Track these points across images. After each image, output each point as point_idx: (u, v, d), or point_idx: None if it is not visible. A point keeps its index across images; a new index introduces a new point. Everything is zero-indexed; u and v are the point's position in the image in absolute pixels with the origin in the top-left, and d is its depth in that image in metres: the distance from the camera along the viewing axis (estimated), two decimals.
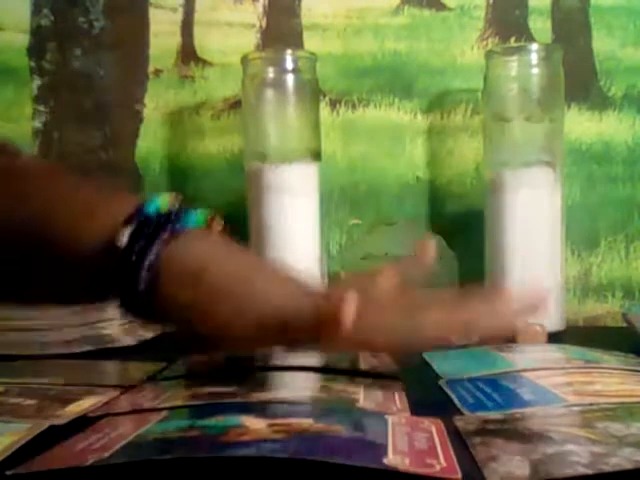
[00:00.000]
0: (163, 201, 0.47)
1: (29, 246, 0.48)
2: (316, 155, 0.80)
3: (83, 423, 0.41)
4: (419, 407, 0.44)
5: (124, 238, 0.45)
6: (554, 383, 0.48)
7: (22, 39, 0.92)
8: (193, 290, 0.46)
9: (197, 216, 0.48)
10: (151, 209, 0.47)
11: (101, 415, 0.43)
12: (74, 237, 0.47)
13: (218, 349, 0.47)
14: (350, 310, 0.43)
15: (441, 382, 0.52)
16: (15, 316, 0.69)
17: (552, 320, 0.75)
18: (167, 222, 0.46)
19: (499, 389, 0.48)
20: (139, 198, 0.48)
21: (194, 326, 0.47)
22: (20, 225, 0.49)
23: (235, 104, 0.91)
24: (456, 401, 0.46)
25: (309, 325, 0.44)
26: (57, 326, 0.69)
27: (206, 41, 0.93)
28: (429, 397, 0.49)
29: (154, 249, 0.45)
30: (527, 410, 0.43)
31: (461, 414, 0.43)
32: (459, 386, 0.50)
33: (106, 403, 0.47)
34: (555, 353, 0.61)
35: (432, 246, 0.54)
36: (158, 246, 0.46)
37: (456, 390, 0.49)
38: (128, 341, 0.71)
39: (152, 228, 0.46)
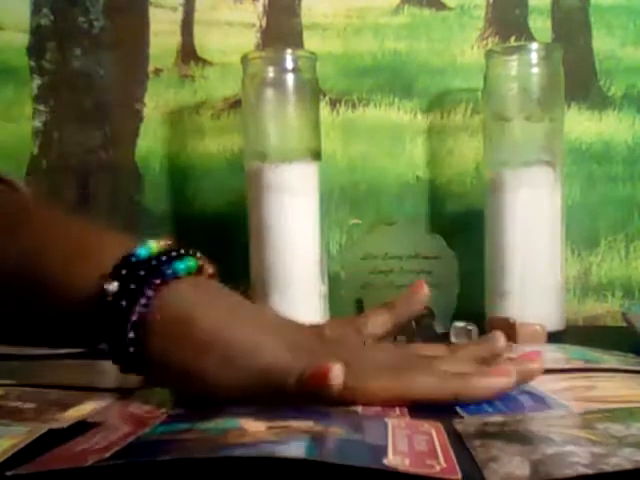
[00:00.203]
0: (155, 246, 0.47)
1: (19, 287, 0.48)
2: (316, 155, 0.80)
3: (83, 427, 0.41)
4: (419, 411, 0.44)
5: (112, 288, 0.44)
6: (554, 388, 0.48)
7: (22, 39, 0.92)
8: (181, 341, 0.45)
9: (188, 262, 0.47)
10: (141, 256, 0.46)
11: (100, 418, 0.43)
12: (65, 281, 0.46)
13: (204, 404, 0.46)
14: (336, 383, 0.41)
15: None
16: None
17: (552, 320, 0.75)
18: (156, 271, 0.45)
19: (499, 395, 0.48)
20: (130, 240, 0.47)
21: (178, 380, 0.46)
22: (11, 265, 0.48)
23: (235, 103, 0.91)
24: (456, 406, 0.46)
25: (293, 390, 0.43)
26: None
27: (206, 40, 0.93)
28: None
29: (144, 297, 0.44)
30: (527, 413, 0.43)
31: (461, 417, 0.43)
32: None
33: (106, 407, 0.47)
34: (555, 353, 0.61)
35: (425, 289, 0.55)
36: (148, 294, 0.45)
37: None
38: None
39: (141, 277, 0.45)
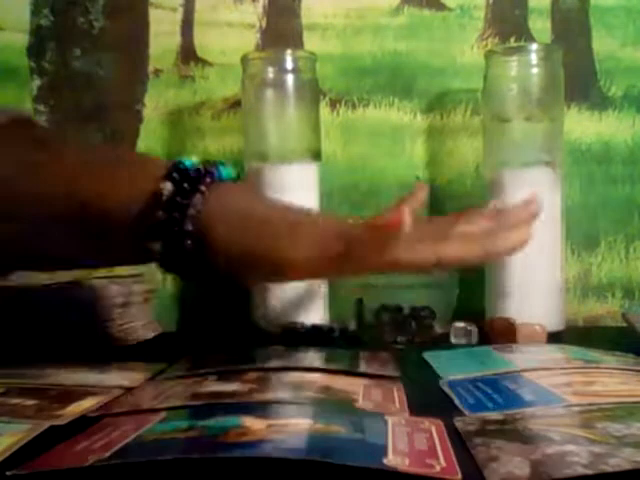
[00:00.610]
0: (195, 158, 0.51)
1: (74, 206, 0.50)
2: (316, 155, 0.80)
3: (83, 423, 0.41)
4: (419, 407, 0.44)
5: (168, 187, 0.48)
6: (554, 383, 0.49)
7: (22, 39, 0.92)
8: (242, 226, 0.48)
9: (229, 169, 0.51)
10: (188, 164, 0.49)
11: (101, 415, 0.43)
12: (119, 191, 0.49)
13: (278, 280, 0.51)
14: (408, 219, 0.45)
15: (441, 382, 0.52)
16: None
17: (552, 320, 0.75)
18: (205, 173, 0.49)
19: (499, 389, 0.48)
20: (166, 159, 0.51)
21: (242, 265, 0.48)
22: (64, 186, 0.50)
23: (235, 104, 0.91)
24: (456, 401, 0.46)
25: (365, 238, 0.47)
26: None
27: (206, 41, 0.93)
28: (429, 397, 0.50)
29: (199, 194, 0.48)
30: (527, 411, 0.43)
31: (461, 414, 0.43)
32: (459, 386, 0.50)
33: (106, 403, 0.47)
34: (555, 353, 0.61)
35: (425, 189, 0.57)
36: (202, 193, 0.48)
37: (456, 390, 0.49)
38: (128, 341, 0.71)
39: (194, 178, 0.48)
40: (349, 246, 0.47)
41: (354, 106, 0.92)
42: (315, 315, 0.77)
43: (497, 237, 0.51)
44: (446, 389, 0.50)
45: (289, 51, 0.79)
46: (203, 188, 0.48)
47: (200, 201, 0.48)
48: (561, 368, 0.54)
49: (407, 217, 0.45)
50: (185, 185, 0.48)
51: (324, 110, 0.89)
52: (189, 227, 0.47)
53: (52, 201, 0.50)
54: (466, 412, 0.43)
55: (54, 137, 0.57)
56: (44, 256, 0.54)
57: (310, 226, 0.49)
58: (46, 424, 0.41)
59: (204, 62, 0.93)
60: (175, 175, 0.48)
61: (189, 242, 0.47)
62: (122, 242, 0.50)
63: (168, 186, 0.48)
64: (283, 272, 0.48)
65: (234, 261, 0.48)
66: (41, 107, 0.92)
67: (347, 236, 0.47)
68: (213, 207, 0.48)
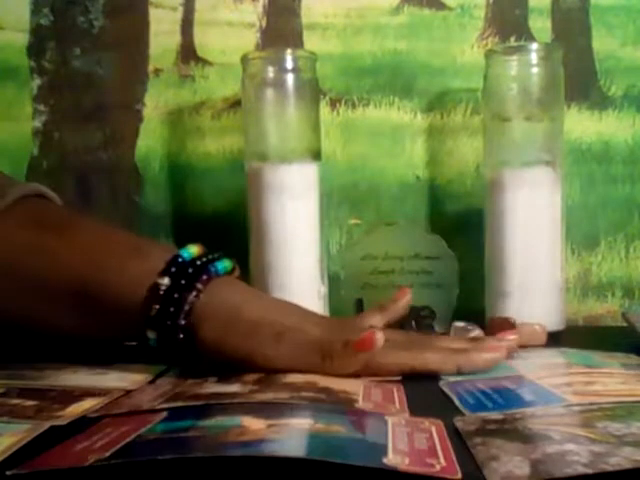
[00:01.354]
0: (195, 249, 0.55)
1: (76, 291, 0.54)
2: (316, 155, 0.80)
3: (83, 424, 0.41)
4: (419, 407, 0.44)
5: (164, 282, 0.52)
6: (554, 383, 0.48)
7: (22, 38, 0.92)
8: (231, 325, 0.52)
9: (225, 263, 0.56)
10: (186, 256, 0.54)
11: (101, 416, 0.43)
12: (120, 281, 0.53)
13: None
14: (380, 339, 0.51)
15: (442, 383, 0.52)
16: None
17: (552, 320, 0.75)
18: (202, 269, 0.53)
19: (499, 389, 0.48)
20: (171, 245, 0.60)
21: (231, 361, 0.53)
22: (67, 269, 0.54)
23: (235, 104, 0.91)
24: (456, 401, 0.46)
25: (340, 353, 0.51)
26: None
27: (206, 40, 0.93)
28: (429, 398, 0.49)
29: (194, 290, 0.52)
30: (527, 410, 0.43)
31: (462, 414, 0.43)
32: (460, 386, 0.50)
33: (106, 404, 0.47)
34: (556, 358, 0.61)
35: (409, 294, 0.64)
36: (198, 287, 0.52)
37: (456, 390, 0.49)
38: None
39: (191, 274, 0.52)
40: (325, 359, 0.52)
41: (354, 106, 0.92)
42: None
43: (471, 354, 0.55)
44: (446, 389, 0.50)
45: (289, 51, 0.79)
46: (199, 285, 0.53)
47: (194, 297, 0.52)
48: (561, 369, 0.54)
49: (379, 338, 0.51)
50: (182, 281, 0.52)
51: (324, 110, 0.89)
52: (182, 322, 0.52)
53: (54, 284, 0.54)
54: (466, 412, 0.43)
55: (66, 217, 0.60)
56: (41, 331, 0.59)
57: (292, 335, 0.52)
58: (46, 425, 0.41)
59: (204, 62, 0.93)
60: (173, 270, 0.53)
61: (181, 335, 0.52)
62: (121, 326, 0.54)
63: (166, 281, 0.52)
64: (262, 369, 0.53)
65: (221, 356, 0.53)
66: (41, 106, 0.92)
67: (325, 350, 0.52)
68: (206, 304, 0.52)
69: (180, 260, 0.53)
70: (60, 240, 0.56)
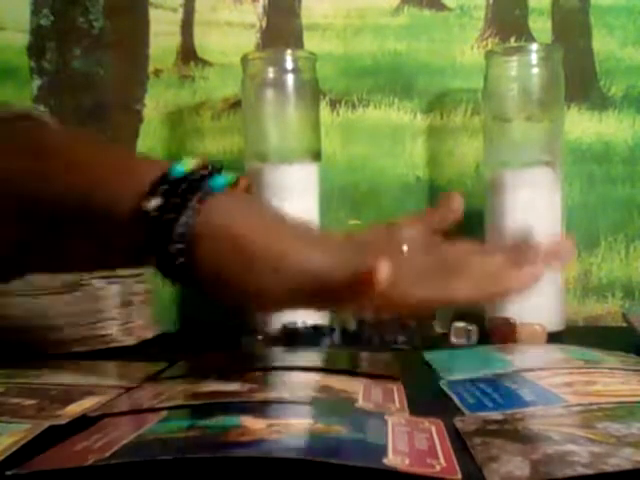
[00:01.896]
0: (189, 163, 0.47)
1: (63, 215, 0.48)
2: (316, 155, 0.80)
3: (83, 423, 0.41)
4: (419, 407, 0.44)
5: (152, 204, 0.45)
6: (554, 383, 0.48)
7: (22, 39, 0.92)
8: (231, 254, 0.46)
9: (224, 177, 0.48)
10: (177, 173, 0.47)
11: (101, 415, 0.43)
12: (108, 202, 0.47)
13: (255, 311, 0.47)
14: (384, 274, 0.42)
15: (442, 382, 0.52)
16: (16, 315, 0.69)
17: (552, 320, 0.75)
18: (196, 185, 0.46)
19: (499, 389, 0.48)
20: (164, 161, 0.48)
21: (230, 289, 0.47)
22: (53, 195, 0.48)
23: (235, 104, 0.91)
24: (457, 401, 0.46)
25: (343, 285, 0.44)
26: (57, 327, 0.69)
27: (206, 41, 0.93)
28: (429, 397, 0.49)
29: (188, 210, 0.45)
30: (527, 410, 0.43)
31: (462, 414, 0.43)
32: (460, 386, 0.50)
33: (106, 403, 0.47)
34: (555, 354, 0.61)
35: (458, 199, 0.54)
36: (189, 211, 0.45)
37: (456, 390, 0.49)
38: (128, 341, 0.71)
39: (181, 192, 0.46)
40: (326, 293, 0.45)
41: (354, 106, 0.92)
42: (315, 315, 0.77)
43: (510, 275, 0.48)
44: (446, 389, 0.50)
45: (289, 51, 0.79)
46: (193, 203, 0.46)
47: (189, 218, 0.45)
48: (561, 368, 0.54)
49: (383, 271, 0.43)
50: (172, 201, 0.45)
51: (324, 110, 0.89)
52: (177, 246, 0.45)
53: (48, 208, 0.49)
54: (466, 412, 0.43)
55: (55, 140, 0.54)
56: (47, 258, 0.53)
57: (293, 265, 0.46)
58: (46, 424, 0.41)
59: (204, 62, 0.93)
60: (165, 187, 0.46)
61: (179, 259, 0.46)
62: (124, 253, 0.49)
63: (153, 203, 0.45)
64: (263, 304, 0.48)
65: (221, 289, 0.47)
66: (41, 107, 0.92)
67: (325, 283, 0.45)
68: (202, 226, 0.46)
69: (172, 176, 0.46)
70: (49, 166, 0.50)
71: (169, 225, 0.45)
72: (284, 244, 0.47)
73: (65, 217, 0.49)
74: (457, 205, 0.54)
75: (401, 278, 0.45)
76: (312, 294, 0.45)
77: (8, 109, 0.56)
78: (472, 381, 0.52)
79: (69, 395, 0.49)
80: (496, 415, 0.41)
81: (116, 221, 0.46)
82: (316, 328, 0.73)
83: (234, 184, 0.49)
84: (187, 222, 0.45)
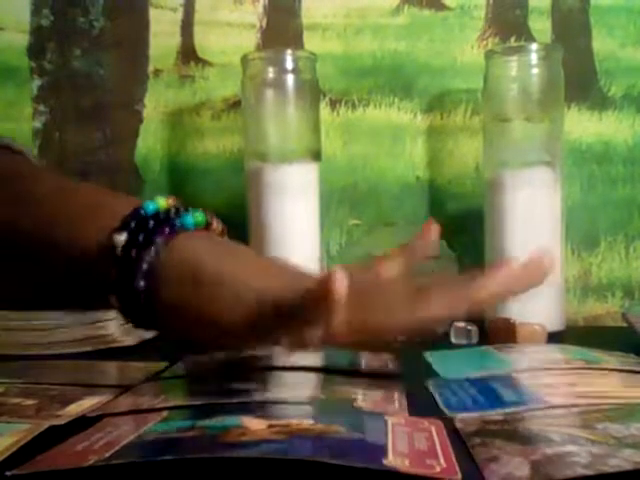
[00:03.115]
0: (161, 202, 0.47)
1: (31, 250, 0.49)
2: (316, 155, 0.80)
3: (83, 423, 0.41)
4: (419, 407, 0.44)
5: (121, 239, 0.45)
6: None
7: (22, 39, 0.92)
8: (193, 286, 0.45)
9: (195, 217, 0.48)
10: (149, 210, 0.46)
11: (101, 415, 0.43)
12: (76, 237, 0.47)
13: (217, 349, 0.46)
14: (342, 286, 0.40)
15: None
16: (14, 317, 0.69)
17: (552, 320, 0.75)
18: (165, 222, 0.46)
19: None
20: (137, 200, 0.48)
21: (192, 327, 0.46)
22: (23, 229, 0.49)
23: (235, 104, 0.91)
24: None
25: (304, 308, 0.43)
26: (57, 327, 0.69)
27: (206, 41, 0.93)
28: (429, 398, 0.49)
29: (152, 250, 0.45)
30: (527, 411, 0.43)
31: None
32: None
33: (106, 403, 0.47)
34: (555, 354, 0.61)
35: (436, 230, 0.54)
36: (156, 247, 0.45)
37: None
38: (128, 341, 0.71)
39: (150, 229, 0.46)
40: (288, 320, 0.44)
41: (354, 106, 0.92)
42: None
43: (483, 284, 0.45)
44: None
45: (289, 51, 0.79)
46: (159, 240, 0.45)
47: (153, 255, 0.45)
48: (559, 369, 0.54)
49: (340, 284, 0.40)
50: (140, 238, 0.45)
51: (324, 110, 0.89)
52: (141, 283, 0.45)
53: (21, 241, 0.49)
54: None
55: (30, 172, 0.54)
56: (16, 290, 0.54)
57: (254, 297, 0.44)
58: (46, 424, 0.41)
59: (204, 62, 0.93)
60: (133, 225, 0.46)
61: (142, 299, 0.45)
62: (90, 290, 0.49)
63: (121, 239, 0.45)
64: (226, 336, 0.46)
65: (184, 323, 0.46)
66: (41, 107, 0.92)
67: (284, 309, 0.43)
68: (166, 263, 0.45)
69: (142, 213, 0.46)
70: (19, 196, 0.50)
71: (134, 261, 0.45)
72: (246, 273, 0.46)
73: (33, 249, 0.49)
74: (435, 236, 0.55)
75: (371, 306, 0.44)
76: (275, 320, 0.44)
77: None
78: (468, 381, 0.51)
79: (69, 395, 0.49)
80: (496, 416, 0.41)
81: (84, 255, 0.46)
82: None
83: (206, 225, 0.49)
84: (153, 256, 0.45)
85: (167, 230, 0.46)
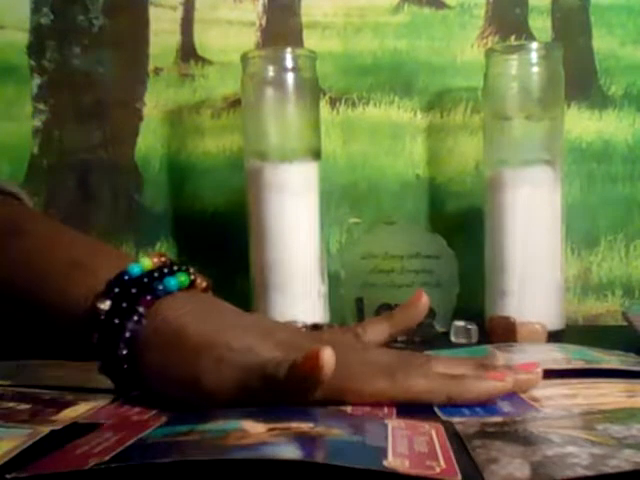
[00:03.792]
0: (146, 263, 0.48)
1: (14, 303, 0.50)
2: (316, 154, 0.80)
3: (79, 429, 0.41)
4: (409, 412, 0.44)
5: (104, 307, 0.46)
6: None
7: (22, 37, 0.92)
8: (175, 350, 0.46)
9: (179, 278, 0.48)
10: (134, 273, 0.47)
11: (99, 420, 0.43)
12: (59, 298, 0.48)
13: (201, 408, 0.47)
14: (329, 364, 0.40)
15: None
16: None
17: (552, 319, 0.75)
18: (149, 286, 0.47)
19: None
20: (124, 257, 0.50)
21: (175, 389, 0.46)
22: (5, 280, 0.49)
23: (235, 102, 0.91)
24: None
25: (286, 379, 0.42)
26: None
27: (206, 39, 0.93)
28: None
29: (136, 315, 0.46)
30: (527, 412, 0.43)
31: (461, 417, 0.42)
32: None
33: (102, 408, 0.47)
34: (555, 353, 0.61)
35: (425, 299, 0.55)
36: (139, 315, 0.46)
37: None
38: None
39: (134, 292, 0.46)
40: (269, 385, 0.43)
41: (354, 104, 0.92)
42: (315, 315, 0.77)
43: (467, 382, 0.45)
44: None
45: (289, 49, 0.79)
46: (141, 309, 0.46)
47: (136, 323, 0.46)
48: (560, 378, 0.53)
49: (325, 356, 0.40)
50: (123, 305, 0.46)
51: (324, 109, 0.89)
52: (123, 352, 0.46)
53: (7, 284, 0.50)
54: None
55: (16, 222, 0.54)
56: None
57: (237, 359, 0.44)
58: (47, 429, 0.41)
59: (204, 60, 0.93)
60: (116, 290, 0.46)
61: (125, 365, 0.46)
62: (71, 350, 0.50)
63: (106, 305, 0.46)
64: (210, 399, 0.45)
65: (167, 387, 0.46)
66: (41, 105, 0.92)
67: (268, 374, 0.43)
68: (148, 329, 0.46)
69: (126, 278, 0.47)
70: (3, 247, 0.51)
71: (117, 329, 0.46)
72: (229, 335, 0.46)
73: (18, 303, 0.49)
74: (423, 307, 0.55)
75: (354, 371, 0.45)
76: (259, 385, 0.44)
77: None
78: None
79: (63, 399, 0.48)
80: (495, 418, 0.42)
81: (68, 316, 0.47)
82: (316, 327, 0.73)
83: (190, 284, 0.49)
84: (133, 327, 0.46)
85: (149, 296, 0.46)
